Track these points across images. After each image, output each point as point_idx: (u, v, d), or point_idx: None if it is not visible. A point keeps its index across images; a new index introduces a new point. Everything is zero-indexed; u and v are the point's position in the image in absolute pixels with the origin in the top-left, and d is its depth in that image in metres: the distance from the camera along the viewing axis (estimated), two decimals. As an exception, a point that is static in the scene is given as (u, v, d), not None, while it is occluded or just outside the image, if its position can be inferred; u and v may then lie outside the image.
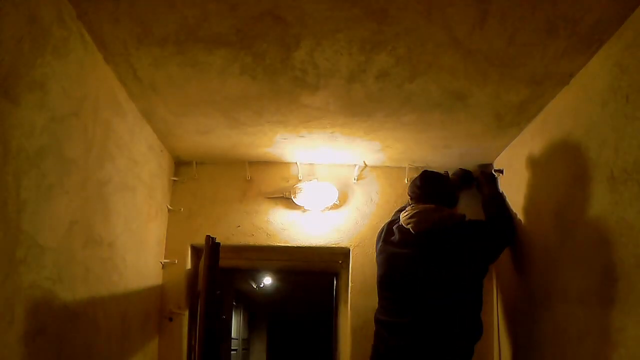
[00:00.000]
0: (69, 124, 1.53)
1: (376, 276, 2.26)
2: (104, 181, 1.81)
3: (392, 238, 2.22)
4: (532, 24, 1.50)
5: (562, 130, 1.89)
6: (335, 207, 2.74)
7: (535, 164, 2.13)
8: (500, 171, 2.52)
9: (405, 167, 2.75)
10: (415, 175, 2.60)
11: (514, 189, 2.35)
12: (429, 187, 2.22)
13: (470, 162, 2.68)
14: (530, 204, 2.16)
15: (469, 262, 2.07)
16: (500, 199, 2.42)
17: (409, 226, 2.13)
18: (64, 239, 1.52)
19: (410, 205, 2.24)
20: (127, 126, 2.02)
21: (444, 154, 2.58)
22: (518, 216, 2.28)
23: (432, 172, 2.30)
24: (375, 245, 2.36)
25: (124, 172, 2.01)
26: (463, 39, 1.58)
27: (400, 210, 2.39)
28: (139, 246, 2.24)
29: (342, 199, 2.75)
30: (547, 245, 1.99)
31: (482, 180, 2.53)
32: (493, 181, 2.53)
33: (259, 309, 9.57)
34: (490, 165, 2.63)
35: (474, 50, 1.64)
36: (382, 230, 2.34)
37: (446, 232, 2.09)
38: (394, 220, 2.31)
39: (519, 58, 1.68)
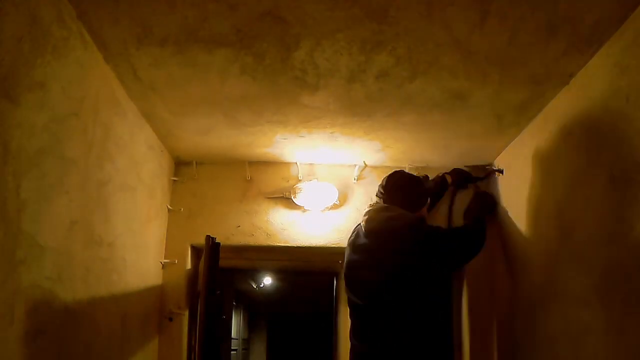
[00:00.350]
0: (69, 124, 1.53)
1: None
2: (104, 181, 1.81)
3: (352, 241, 2.18)
4: (532, 24, 1.50)
5: (562, 130, 1.89)
6: (335, 207, 2.74)
7: (535, 164, 2.13)
8: (500, 171, 2.52)
9: (405, 167, 2.75)
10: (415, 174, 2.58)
11: (514, 189, 2.35)
12: (391, 187, 2.14)
13: (470, 162, 2.68)
14: (530, 204, 2.15)
15: (413, 268, 1.96)
16: (482, 217, 2.31)
17: (362, 225, 2.09)
18: (64, 239, 1.52)
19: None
20: (127, 126, 2.02)
21: (444, 154, 2.58)
22: (518, 216, 2.28)
23: (401, 173, 2.20)
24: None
25: (124, 172, 2.01)
26: (463, 39, 1.58)
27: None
28: (139, 246, 2.24)
29: (342, 199, 2.75)
30: (547, 245, 1.98)
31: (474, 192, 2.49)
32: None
33: (259, 309, 9.57)
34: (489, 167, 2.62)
35: (474, 50, 1.64)
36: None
37: (393, 233, 2.00)
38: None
39: (519, 58, 1.68)
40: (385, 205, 2.10)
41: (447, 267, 2.10)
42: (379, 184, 2.21)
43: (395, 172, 2.22)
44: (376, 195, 2.21)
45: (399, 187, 2.14)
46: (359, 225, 2.20)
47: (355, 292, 2.06)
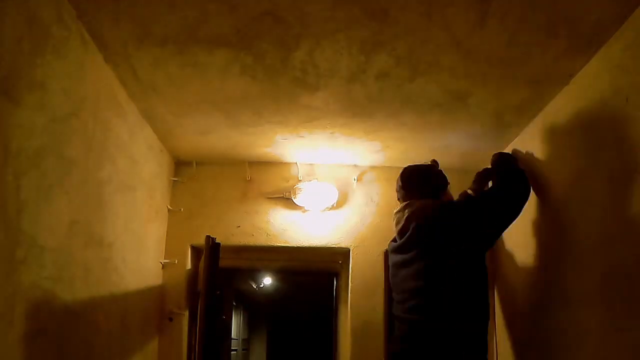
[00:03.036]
0: (69, 124, 1.53)
1: None
2: (103, 181, 1.81)
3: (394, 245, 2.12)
4: (532, 24, 1.50)
5: (562, 130, 1.89)
6: (335, 207, 2.74)
7: (535, 164, 2.12)
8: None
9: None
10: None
11: (514, 189, 2.35)
12: (405, 183, 2.15)
13: (470, 162, 2.68)
14: (531, 204, 2.15)
15: (459, 243, 1.93)
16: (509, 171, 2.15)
17: (396, 229, 2.07)
18: (64, 239, 1.52)
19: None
20: (127, 126, 2.02)
21: (444, 154, 2.58)
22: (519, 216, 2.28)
23: (408, 167, 2.20)
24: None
25: (123, 172, 2.01)
26: (463, 39, 1.58)
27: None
28: (139, 246, 2.24)
29: (342, 200, 2.75)
30: (547, 245, 1.98)
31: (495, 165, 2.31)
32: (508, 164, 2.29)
33: (259, 309, 9.56)
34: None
35: (474, 50, 1.64)
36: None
37: (429, 221, 1.98)
38: None
39: (519, 58, 1.68)
40: (406, 202, 2.08)
41: (490, 232, 2.01)
42: (397, 184, 2.19)
43: (404, 168, 2.22)
44: (398, 200, 2.19)
45: (412, 180, 2.16)
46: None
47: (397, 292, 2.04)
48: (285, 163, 2.79)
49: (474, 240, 1.99)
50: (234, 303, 6.47)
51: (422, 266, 1.95)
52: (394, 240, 2.13)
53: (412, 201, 2.08)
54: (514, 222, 2.16)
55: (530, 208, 2.16)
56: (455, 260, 1.95)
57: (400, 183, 2.18)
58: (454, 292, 1.91)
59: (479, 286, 1.99)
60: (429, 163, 2.28)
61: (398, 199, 2.20)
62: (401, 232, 2.04)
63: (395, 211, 2.13)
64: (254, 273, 6.01)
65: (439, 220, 1.97)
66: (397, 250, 2.07)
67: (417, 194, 2.12)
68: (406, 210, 2.05)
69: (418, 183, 2.15)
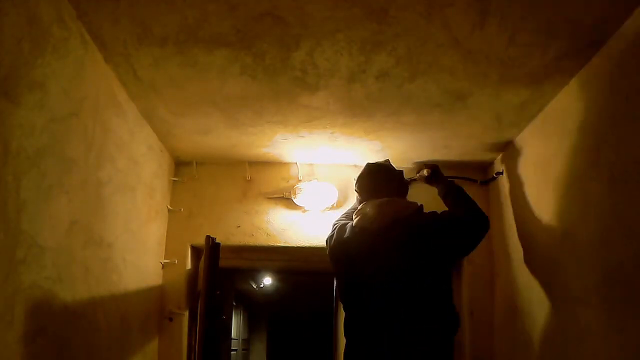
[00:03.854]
0: (69, 124, 1.53)
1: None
2: (103, 181, 1.81)
3: (348, 238, 2.00)
4: (532, 24, 1.50)
5: (562, 130, 1.89)
6: (335, 207, 2.74)
7: (535, 164, 2.13)
8: (500, 173, 2.52)
9: (405, 167, 2.74)
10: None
11: (514, 189, 2.35)
12: (378, 180, 2.08)
13: (470, 162, 2.68)
14: (531, 204, 2.15)
15: (431, 253, 1.87)
16: (457, 189, 2.16)
17: (367, 224, 1.96)
18: (64, 239, 1.52)
19: (361, 203, 2.07)
20: (127, 126, 2.02)
21: (444, 154, 2.58)
22: (518, 216, 2.28)
23: (377, 164, 2.15)
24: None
25: (123, 173, 2.01)
26: (463, 39, 1.58)
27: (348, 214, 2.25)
28: (139, 246, 2.24)
29: (342, 199, 2.75)
30: (547, 245, 1.99)
31: (429, 175, 2.30)
32: (438, 174, 2.31)
33: (259, 309, 9.57)
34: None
35: (474, 50, 1.64)
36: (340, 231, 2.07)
37: (404, 224, 1.92)
38: (346, 224, 2.09)
39: (519, 58, 1.68)
40: (389, 198, 2.00)
41: (458, 249, 2.00)
42: (360, 181, 2.12)
43: (375, 165, 2.15)
44: (362, 191, 2.10)
45: (390, 179, 2.10)
46: (347, 223, 2.08)
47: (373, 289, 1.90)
48: (285, 163, 2.79)
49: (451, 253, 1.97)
50: (234, 303, 6.47)
51: (398, 270, 1.85)
52: (359, 232, 1.98)
53: (394, 199, 2.01)
54: (513, 224, 2.17)
55: (530, 208, 2.16)
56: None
57: (375, 178, 2.08)
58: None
59: (447, 298, 1.91)
60: (385, 162, 2.22)
61: (366, 192, 2.08)
62: (381, 225, 1.92)
63: (365, 205, 2.01)
64: (254, 273, 6.01)
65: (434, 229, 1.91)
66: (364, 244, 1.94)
67: (394, 193, 2.05)
68: (400, 204, 1.98)
69: (397, 184, 2.10)
